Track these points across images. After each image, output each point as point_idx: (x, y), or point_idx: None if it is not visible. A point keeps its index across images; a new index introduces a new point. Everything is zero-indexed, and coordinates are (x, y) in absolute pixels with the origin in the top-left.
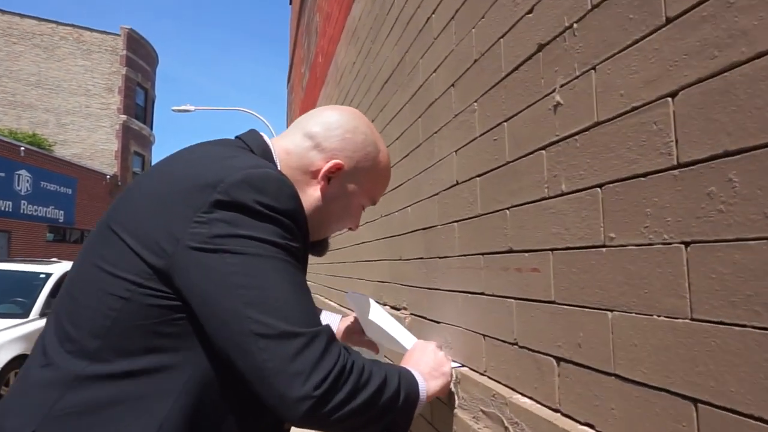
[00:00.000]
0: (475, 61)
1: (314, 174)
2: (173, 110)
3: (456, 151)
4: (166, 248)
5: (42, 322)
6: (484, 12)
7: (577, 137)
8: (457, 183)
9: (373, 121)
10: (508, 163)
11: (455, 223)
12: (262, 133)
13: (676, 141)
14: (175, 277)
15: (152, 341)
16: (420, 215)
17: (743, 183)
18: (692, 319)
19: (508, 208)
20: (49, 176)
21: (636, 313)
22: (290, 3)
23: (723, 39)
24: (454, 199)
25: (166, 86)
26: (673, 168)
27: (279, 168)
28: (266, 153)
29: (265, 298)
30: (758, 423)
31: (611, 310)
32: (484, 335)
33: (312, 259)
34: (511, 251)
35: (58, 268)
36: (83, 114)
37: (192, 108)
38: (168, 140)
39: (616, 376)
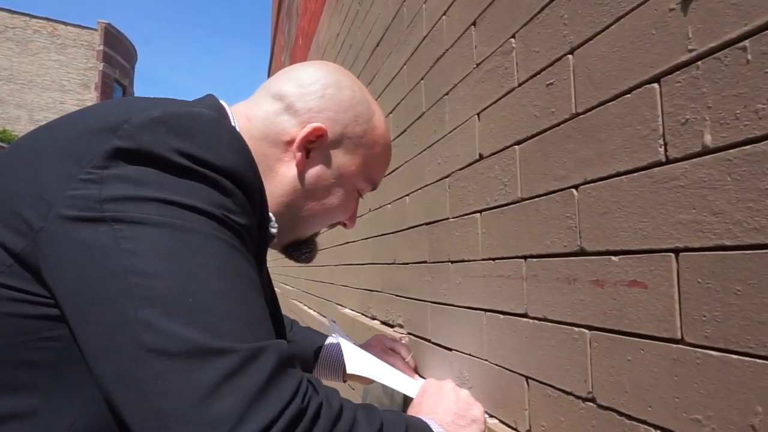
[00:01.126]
0: None
1: (287, 145)
2: None
3: (479, 114)
4: (32, 222)
5: None
6: None
7: (746, 44)
8: (481, 158)
9: None
10: (577, 115)
11: (477, 214)
12: (220, 100)
13: None
14: (42, 264)
15: (8, 376)
16: (423, 206)
17: None
18: None
19: (576, 186)
20: None
21: None
22: None
23: None
24: (475, 181)
25: (148, 88)
26: None
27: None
28: (219, 114)
29: (174, 293)
30: None
31: None
32: (527, 377)
33: (283, 261)
34: (582, 253)
35: None
36: (57, 110)
37: None
38: None
39: None
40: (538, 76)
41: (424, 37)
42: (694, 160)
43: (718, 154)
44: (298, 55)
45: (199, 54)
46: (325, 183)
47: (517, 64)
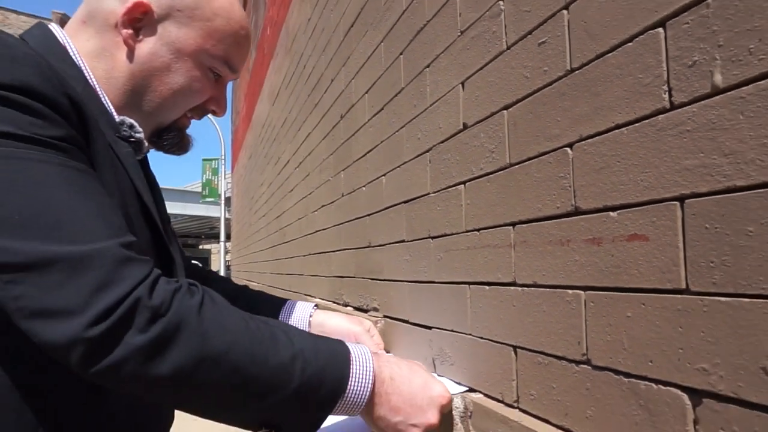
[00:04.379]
0: None
1: (117, 28)
2: None
3: (463, 83)
4: None
5: None
6: None
7: None
8: (465, 127)
9: (332, 80)
10: (571, 72)
11: (461, 186)
12: (52, 26)
13: None
14: None
15: None
16: (401, 184)
17: None
18: None
19: (570, 145)
20: None
21: None
22: None
23: None
24: (459, 152)
25: None
26: None
27: (75, 53)
28: (48, 39)
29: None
30: None
31: None
32: (515, 347)
33: (247, 255)
34: (577, 212)
35: None
36: None
37: None
38: None
39: None
40: (530, 36)
41: (405, 11)
42: (703, 102)
43: (730, 92)
44: (265, 46)
45: None
46: (162, 59)
47: (505, 26)
